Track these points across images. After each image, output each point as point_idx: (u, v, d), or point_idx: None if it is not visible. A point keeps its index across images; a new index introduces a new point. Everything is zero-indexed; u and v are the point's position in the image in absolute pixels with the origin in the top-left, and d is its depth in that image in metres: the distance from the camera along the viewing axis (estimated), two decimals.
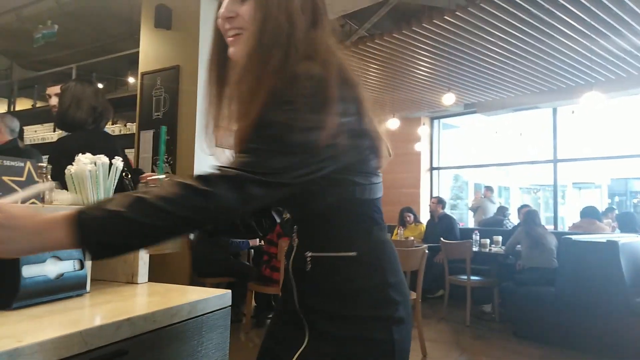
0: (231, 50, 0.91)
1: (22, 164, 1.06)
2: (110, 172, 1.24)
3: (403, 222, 6.44)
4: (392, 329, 0.86)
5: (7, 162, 1.02)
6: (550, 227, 8.01)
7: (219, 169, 0.80)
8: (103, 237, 0.70)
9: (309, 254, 0.91)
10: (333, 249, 0.90)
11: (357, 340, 0.86)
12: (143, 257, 1.27)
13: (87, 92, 2.28)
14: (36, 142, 5.11)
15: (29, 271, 0.95)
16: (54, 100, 2.58)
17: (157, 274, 4.42)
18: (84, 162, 1.19)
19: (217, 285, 4.35)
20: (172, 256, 4.35)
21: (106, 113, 2.29)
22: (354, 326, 0.86)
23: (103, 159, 1.22)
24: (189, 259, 4.13)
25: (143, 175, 0.88)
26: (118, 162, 1.25)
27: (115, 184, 1.27)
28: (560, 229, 7.71)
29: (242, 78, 0.85)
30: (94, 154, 1.27)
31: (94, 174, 1.18)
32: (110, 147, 2.16)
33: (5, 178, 1.01)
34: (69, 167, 1.18)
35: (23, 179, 1.05)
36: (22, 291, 0.92)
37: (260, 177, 0.77)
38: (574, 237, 3.99)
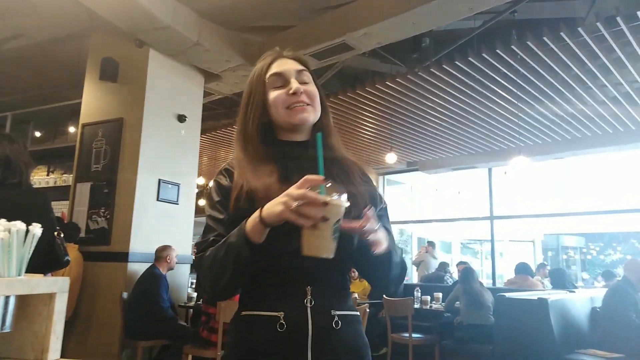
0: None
1: None
2: (27, 239, 1.19)
3: None
4: None
5: None
6: (489, 282, 8.29)
7: None
8: None
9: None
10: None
11: None
12: (56, 331, 1.19)
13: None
14: None
15: None
16: None
17: (85, 336, 4.13)
18: None
19: (150, 349, 4.11)
20: (102, 316, 4.08)
21: (23, 167, 2.14)
22: None
23: (19, 225, 1.17)
24: (120, 320, 3.89)
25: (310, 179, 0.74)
26: (35, 228, 1.20)
27: (31, 252, 1.21)
28: (498, 282, 7.97)
29: None
30: (11, 213, 1.22)
31: (6, 242, 1.12)
32: (31, 204, 2.05)
33: None
34: None
35: None
36: None
37: None
38: (507, 294, 4.13)
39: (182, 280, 4.64)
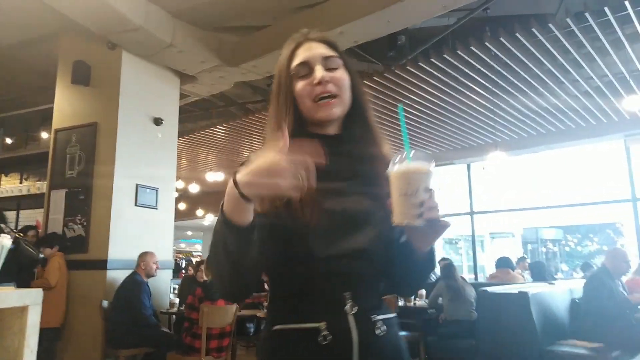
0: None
1: None
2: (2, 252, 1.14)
3: None
4: None
5: None
6: (471, 276, 8.38)
7: None
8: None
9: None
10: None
11: None
12: (30, 345, 1.15)
13: None
14: None
15: None
16: None
17: (66, 344, 4.01)
18: None
19: (133, 357, 4.02)
20: (83, 325, 3.99)
21: None
22: None
23: None
24: (101, 329, 3.80)
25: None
26: (4, 239, 1.16)
27: (2, 262, 1.16)
28: (480, 277, 8.08)
29: None
30: None
31: None
32: None
33: None
34: None
35: None
36: None
37: None
38: (489, 288, 4.17)
39: (164, 286, 4.56)
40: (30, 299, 1.18)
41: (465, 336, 4.28)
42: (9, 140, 5.99)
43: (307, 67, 0.95)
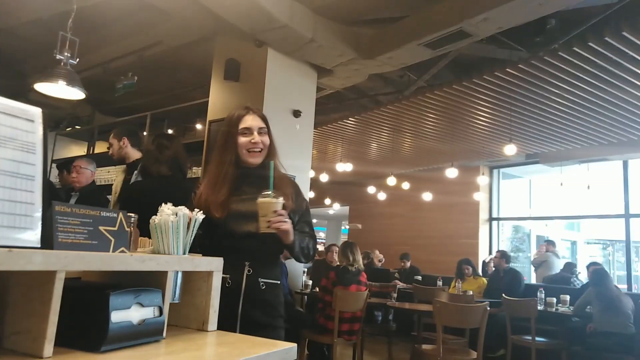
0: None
1: (115, 215, 1.16)
2: (190, 224, 1.32)
3: (461, 275, 6.21)
4: None
5: (104, 214, 1.12)
6: (623, 287, 7.43)
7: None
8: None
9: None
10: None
11: None
12: (214, 305, 1.32)
13: (174, 144, 2.49)
14: (110, 182, 5.48)
15: (116, 316, 1.02)
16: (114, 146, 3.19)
17: None
18: (167, 213, 1.28)
19: None
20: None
21: (185, 162, 2.47)
22: None
23: (184, 210, 1.31)
24: None
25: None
26: (198, 214, 1.33)
27: (193, 235, 1.34)
28: (634, 288, 7.13)
29: None
30: (163, 198, 1.37)
31: (175, 224, 1.27)
32: (180, 194, 2.30)
33: (101, 228, 1.11)
34: (153, 217, 1.27)
35: (116, 228, 1.15)
36: (110, 335, 0.99)
37: None
38: None
39: (298, 268, 4.84)
40: (214, 266, 1.35)
41: (618, 350, 3.84)
42: (170, 131, 6.82)
43: (249, 131, 1.69)
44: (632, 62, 4.28)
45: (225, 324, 1.34)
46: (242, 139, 1.68)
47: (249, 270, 1.62)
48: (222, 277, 1.39)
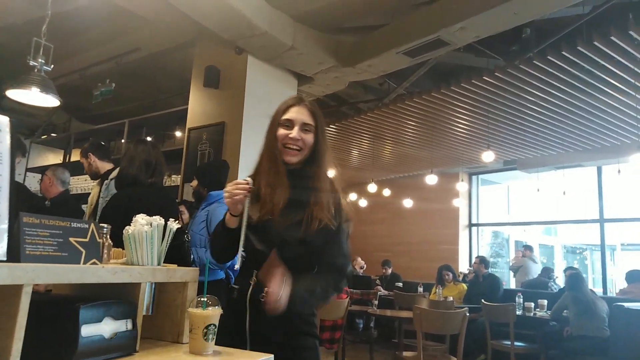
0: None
1: (86, 226, 1.13)
2: (165, 234, 1.30)
3: (442, 281, 6.26)
4: None
5: (74, 224, 1.09)
6: (598, 291, 7.59)
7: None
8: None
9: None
10: None
11: None
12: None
13: (139, 150, 2.43)
14: (87, 191, 5.37)
15: (87, 330, 0.99)
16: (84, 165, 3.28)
17: None
18: (140, 223, 1.26)
19: None
20: None
21: (160, 168, 2.41)
22: None
23: (158, 220, 1.29)
24: None
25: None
26: (173, 224, 1.31)
27: (168, 244, 1.32)
28: (610, 292, 7.28)
29: None
30: (146, 210, 1.34)
31: (149, 235, 1.25)
32: (162, 203, 2.26)
33: (72, 239, 1.08)
34: (127, 227, 1.25)
35: (87, 240, 1.12)
36: (80, 351, 0.96)
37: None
38: (626, 304, 3.76)
39: None
40: (190, 276, 1.33)
41: (594, 353, 3.91)
42: (148, 138, 6.72)
43: (291, 123, 1.46)
44: (603, 71, 4.41)
45: (236, 339, 1.36)
46: (281, 131, 1.45)
47: (255, 281, 1.40)
48: (231, 288, 1.48)
